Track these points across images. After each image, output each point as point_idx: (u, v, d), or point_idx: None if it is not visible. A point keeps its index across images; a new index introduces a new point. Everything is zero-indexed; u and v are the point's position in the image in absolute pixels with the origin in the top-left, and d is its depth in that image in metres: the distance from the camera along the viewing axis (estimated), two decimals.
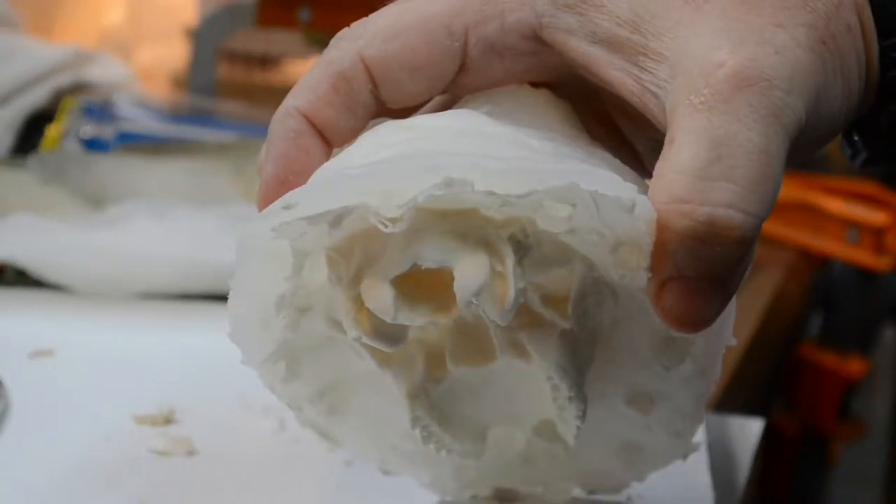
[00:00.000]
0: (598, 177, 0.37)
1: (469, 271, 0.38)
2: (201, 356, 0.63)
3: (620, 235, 0.38)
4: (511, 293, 0.38)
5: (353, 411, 0.46)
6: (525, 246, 0.39)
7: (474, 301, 0.38)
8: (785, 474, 1.33)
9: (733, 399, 0.81)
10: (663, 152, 0.38)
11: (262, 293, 0.42)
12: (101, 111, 1.07)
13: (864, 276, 1.29)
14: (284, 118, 0.41)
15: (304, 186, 0.39)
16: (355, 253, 0.39)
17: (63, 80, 1.14)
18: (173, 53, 1.72)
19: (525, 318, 0.41)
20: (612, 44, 0.40)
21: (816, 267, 1.28)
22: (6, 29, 1.20)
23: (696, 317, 0.38)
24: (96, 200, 0.86)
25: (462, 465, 0.48)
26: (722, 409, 0.70)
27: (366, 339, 0.40)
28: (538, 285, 0.41)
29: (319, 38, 1.52)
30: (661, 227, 0.37)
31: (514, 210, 0.38)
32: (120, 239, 0.75)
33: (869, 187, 1.23)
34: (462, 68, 0.42)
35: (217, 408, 0.57)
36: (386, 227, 0.38)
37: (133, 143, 1.04)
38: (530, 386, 0.44)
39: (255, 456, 0.52)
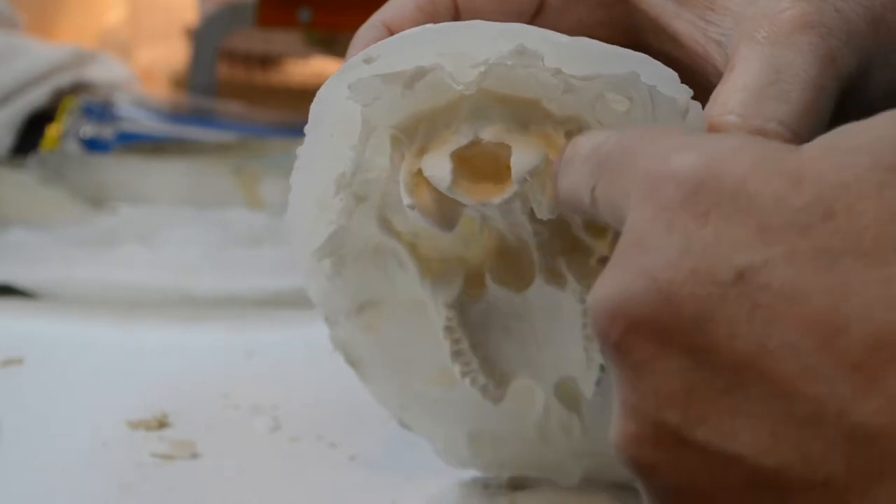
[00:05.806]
0: (657, 69, 0.39)
1: (527, 149, 0.40)
2: (180, 358, 0.62)
3: None
4: None
5: (387, 337, 0.47)
6: None
7: (528, 178, 0.39)
8: None
9: None
10: (722, 80, 0.40)
11: (326, 169, 0.43)
12: (101, 111, 1.07)
13: None
14: (370, 28, 0.45)
15: (385, 40, 0.41)
16: (419, 131, 0.41)
17: (63, 80, 1.14)
18: (173, 53, 1.73)
19: (565, 242, 0.43)
20: None
21: None
22: (6, 29, 1.20)
23: None
24: (96, 200, 0.86)
25: (478, 430, 0.48)
26: None
27: (419, 212, 0.41)
28: None
29: (319, 38, 1.52)
30: None
31: (575, 100, 0.40)
32: (104, 268, 0.74)
33: None
34: (540, 9, 0.45)
35: (207, 409, 0.56)
36: (458, 86, 0.40)
37: (133, 143, 1.04)
38: (560, 332, 0.44)
39: (260, 455, 0.52)
